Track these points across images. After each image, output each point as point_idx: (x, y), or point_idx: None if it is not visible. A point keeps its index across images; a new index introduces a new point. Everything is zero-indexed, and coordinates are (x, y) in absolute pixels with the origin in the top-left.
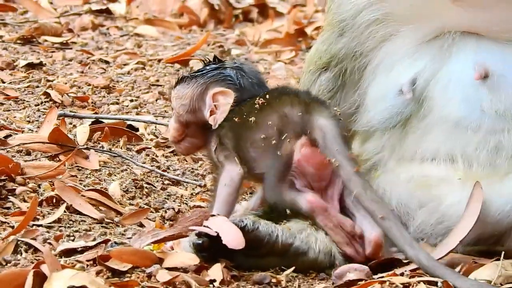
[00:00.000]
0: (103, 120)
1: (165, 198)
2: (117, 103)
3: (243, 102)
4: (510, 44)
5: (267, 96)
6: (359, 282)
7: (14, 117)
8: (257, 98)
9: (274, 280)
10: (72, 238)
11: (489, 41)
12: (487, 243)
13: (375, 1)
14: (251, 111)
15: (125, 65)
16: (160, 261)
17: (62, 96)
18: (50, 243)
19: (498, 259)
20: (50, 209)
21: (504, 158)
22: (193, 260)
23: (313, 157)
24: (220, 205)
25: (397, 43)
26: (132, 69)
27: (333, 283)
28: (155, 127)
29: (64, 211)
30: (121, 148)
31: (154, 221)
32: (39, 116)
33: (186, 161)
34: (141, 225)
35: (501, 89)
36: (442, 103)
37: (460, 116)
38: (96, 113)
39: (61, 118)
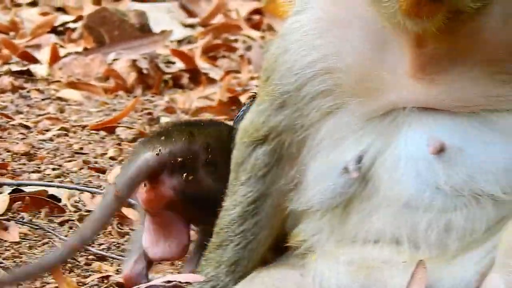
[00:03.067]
0: (23, 189)
1: (89, 274)
2: (38, 171)
3: None
4: (467, 116)
5: None
6: None
7: None
8: None
9: None
10: None
11: (444, 114)
12: None
13: (321, 72)
14: None
15: (47, 131)
16: None
17: None
18: None
19: None
20: None
21: (455, 237)
22: None
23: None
24: None
25: (344, 117)
26: (54, 135)
27: None
28: (79, 198)
29: None
30: (43, 219)
31: None
32: None
33: (112, 235)
34: None
35: (458, 164)
36: (391, 182)
37: (410, 195)
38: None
39: None
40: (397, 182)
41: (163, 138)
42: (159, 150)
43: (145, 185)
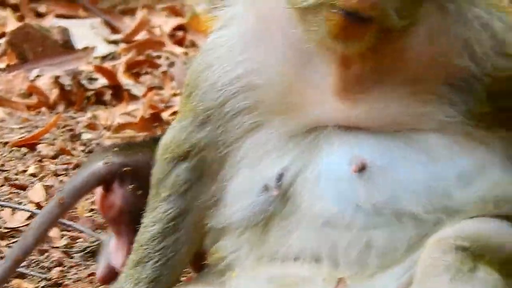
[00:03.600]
0: None
1: None
2: None
3: None
4: (390, 135)
5: None
6: None
7: None
8: None
9: None
10: None
11: (368, 133)
12: None
13: (244, 88)
14: None
15: None
16: None
17: None
18: None
19: None
20: None
21: (374, 255)
22: None
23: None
24: None
25: (266, 134)
26: None
27: None
28: None
29: None
30: None
31: None
32: None
33: (32, 253)
34: None
35: (380, 182)
36: (312, 200)
37: (331, 214)
38: None
39: None
40: (318, 200)
41: (117, 149)
42: (110, 160)
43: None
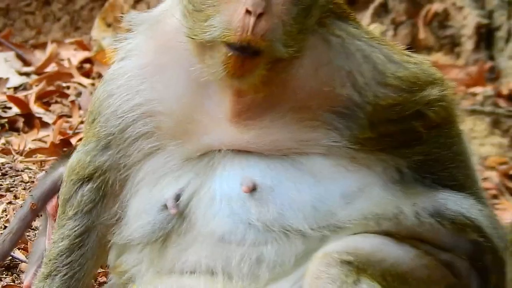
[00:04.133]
0: None
1: None
2: None
3: None
4: (278, 158)
5: None
6: None
7: None
8: None
9: None
10: None
11: (258, 156)
12: None
13: (144, 115)
14: None
15: None
16: None
17: None
18: None
19: None
20: None
21: (265, 269)
22: None
23: None
24: None
25: (163, 157)
26: None
27: None
28: None
29: None
30: None
31: None
32: None
33: None
34: None
35: (269, 201)
36: (206, 218)
37: (225, 231)
38: None
39: None
40: (212, 218)
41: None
42: None
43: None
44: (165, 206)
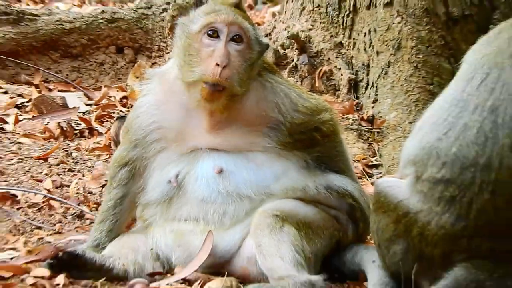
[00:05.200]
0: None
1: None
2: None
3: None
4: (236, 154)
5: None
6: None
7: None
8: None
9: (95, 284)
10: None
11: (224, 152)
12: (217, 267)
13: (156, 129)
14: None
15: None
16: (28, 271)
17: None
18: None
19: (223, 276)
20: None
21: (228, 218)
22: (46, 272)
23: None
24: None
25: (168, 153)
26: None
27: None
28: None
29: None
30: None
31: None
32: None
33: (44, 213)
34: None
35: (230, 179)
36: (193, 188)
37: (204, 196)
38: None
39: None
40: (197, 188)
41: None
42: None
43: None
44: (169, 181)
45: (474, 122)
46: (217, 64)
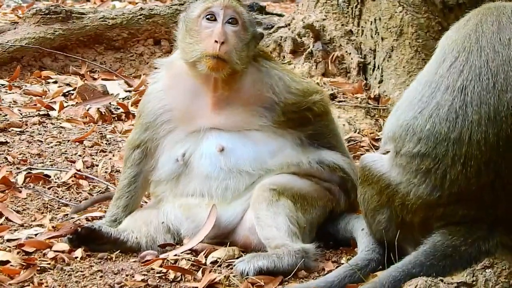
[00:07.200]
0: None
1: None
2: None
3: None
4: (236, 132)
5: None
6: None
7: None
8: None
9: (111, 256)
10: None
11: (225, 131)
12: (221, 238)
13: (165, 111)
14: None
15: None
16: (50, 246)
17: None
18: None
19: (226, 247)
20: None
21: (230, 193)
22: (66, 246)
23: None
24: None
25: (176, 133)
26: None
27: (139, 260)
28: None
29: None
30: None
31: None
32: None
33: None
34: None
35: (231, 157)
36: (198, 165)
37: (208, 172)
38: None
39: None
40: (202, 165)
41: None
42: None
43: None
44: (177, 160)
45: (446, 101)
46: (216, 41)
